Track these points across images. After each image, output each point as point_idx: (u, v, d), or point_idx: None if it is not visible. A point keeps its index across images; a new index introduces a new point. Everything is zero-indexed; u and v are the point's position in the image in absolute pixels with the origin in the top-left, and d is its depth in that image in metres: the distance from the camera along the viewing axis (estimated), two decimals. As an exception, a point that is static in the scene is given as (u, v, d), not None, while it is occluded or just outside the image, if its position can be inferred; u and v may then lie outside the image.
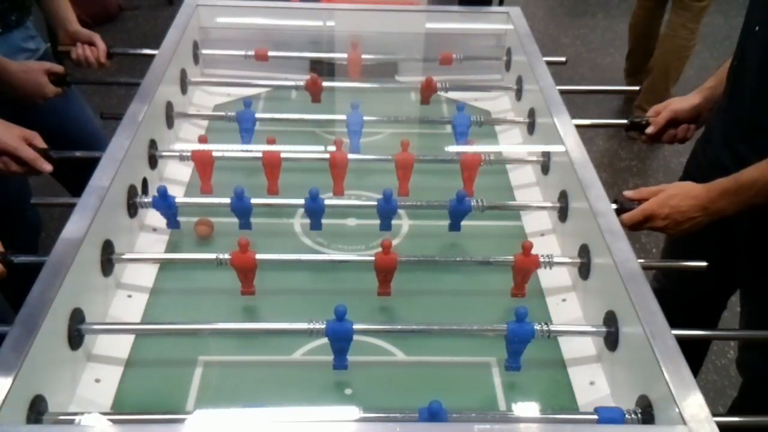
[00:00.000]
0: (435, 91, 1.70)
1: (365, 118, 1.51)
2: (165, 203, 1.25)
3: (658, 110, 1.52)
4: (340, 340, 0.99)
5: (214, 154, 1.36)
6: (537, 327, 1.00)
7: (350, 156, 1.36)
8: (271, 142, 1.36)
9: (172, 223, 1.28)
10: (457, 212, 1.28)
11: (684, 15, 3.24)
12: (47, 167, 1.29)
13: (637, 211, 1.23)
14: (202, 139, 1.40)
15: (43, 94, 1.57)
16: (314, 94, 1.67)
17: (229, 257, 1.12)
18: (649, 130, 1.51)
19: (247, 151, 1.44)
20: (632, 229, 1.24)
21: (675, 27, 3.29)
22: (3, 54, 1.56)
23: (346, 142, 1.47)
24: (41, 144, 1.31)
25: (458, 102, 1.77)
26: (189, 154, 1.38)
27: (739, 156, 1.34)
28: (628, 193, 1.27)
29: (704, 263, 1.19)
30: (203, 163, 1.35)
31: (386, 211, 1.26)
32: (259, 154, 1.35)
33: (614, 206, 1.22)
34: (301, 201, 1.25)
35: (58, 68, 1.61)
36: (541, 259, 1.17)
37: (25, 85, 1.55)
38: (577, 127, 1.39)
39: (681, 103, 1.49)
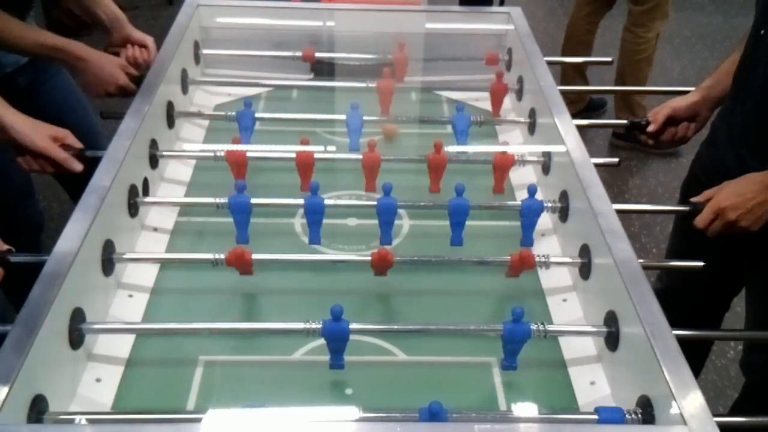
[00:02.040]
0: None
1: (365, 118, 1.51)
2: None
3: (657, 111, 1.53)
4: (336, 340, 0.99)
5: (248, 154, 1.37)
6: (533, 327, 1.00)
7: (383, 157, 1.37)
8: (304, 143, 1.37)
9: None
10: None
11: (628, 19, 3.23)
12: (77, 167, 1.27)
13: (706, 211, 1.23)
14: (236, 140, 1.39)
15: (115, 81, 1.54)
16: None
17: (224, 257, 1.13)
18: (651, 128, 1.52)
19: (279, 151, 1.44)
20: (710, 233, 1.24)
21: (623, 31, 3.26)
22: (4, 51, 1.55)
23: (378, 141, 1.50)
24: (75, 143, 1.30)
25: (458, 102, 1.77)
26: (223, 154, 1.37)
27: (742, 159, 1.34)
28: (694, 199, 1.27)
29: (701, 263, 1.19)
30: (238, 164, 1.36)
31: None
32: (276, 155, 1.37)
33: (687, 208, 1.26)
34: (302, 201, 1.25)
35: (132, 70, 1.58)
36: (537, 259, 1.18)
37: (102, 72, 1.52)
38: (577, 127, 1.39)
39: (679, 101, 1.51)
